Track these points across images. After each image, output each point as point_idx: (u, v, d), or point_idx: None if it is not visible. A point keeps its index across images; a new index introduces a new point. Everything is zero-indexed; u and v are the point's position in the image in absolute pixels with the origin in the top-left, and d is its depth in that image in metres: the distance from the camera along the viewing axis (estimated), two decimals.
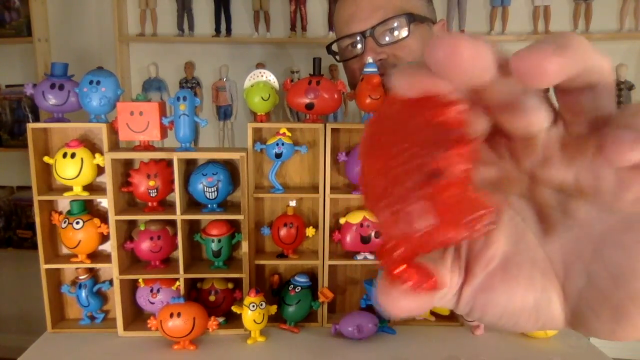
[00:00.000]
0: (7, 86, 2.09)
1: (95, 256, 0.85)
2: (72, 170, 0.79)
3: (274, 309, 0.82)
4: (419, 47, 0.91)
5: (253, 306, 0.78)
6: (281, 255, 0.86)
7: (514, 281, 0.22)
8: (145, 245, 0.82)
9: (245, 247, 0.82)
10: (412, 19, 0.89)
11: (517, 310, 0.22)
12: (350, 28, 0.91)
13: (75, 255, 0.83)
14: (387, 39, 0.89)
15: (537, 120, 0.19)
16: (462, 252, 0.23)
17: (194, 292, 0.86)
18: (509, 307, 0.22)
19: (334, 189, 0.83)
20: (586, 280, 0.21)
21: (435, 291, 0.20)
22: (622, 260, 0.19)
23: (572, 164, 0.19)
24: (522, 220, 0.23)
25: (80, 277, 0.84)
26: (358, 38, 0.91)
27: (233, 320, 0.85)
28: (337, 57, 1.00)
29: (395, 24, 0.89)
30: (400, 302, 0.20)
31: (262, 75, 0.83)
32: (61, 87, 0.79)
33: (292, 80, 0.82)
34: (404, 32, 0.89)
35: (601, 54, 0.17)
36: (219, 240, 0.83)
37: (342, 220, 0.84)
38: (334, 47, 0.99)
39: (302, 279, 0.85)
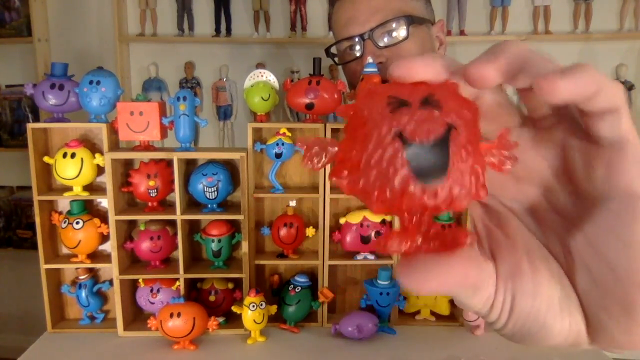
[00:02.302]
0: (7, 86, 2.09)
1: (95, 256, 0.85)
2: (72, 170, 0.79)
3: (274, 309, 0.82)
4: (418, 48, 0.91)
5: (253, 306, 0.78)
6: (281, 255, 0.86)
7: (539, 270, 0.22)
8: (145, 245, 0.82)
9: (245, 247, 0.82)
10: (411, 20, 0.88)
11: (544, 302, 0.21)
12: (349, 31, 0.91)
13: (75, 255, 0.83)
14: (385, 41, 0.89)
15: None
16: (484, 242, 0.24)
17: (194, 292, 0.86)
18: (537, 299, 0.21)
19: (334, 189, 0.83)
20: (590, 279, 0.21)
21: (462, 245, 0.19)
22: (617, 251, 0.20)
23: (545, 151, 0.22)
24: (524, 224, 0.24)
25: (80, 277, 0.84)
26: (357, 40, 0.90)
27: (233, 320, 0.85)
28: (336, 60, 1.00)
29: (394, 26, 0.89)
30: (431, 275, 0.19)
31: (262, 75, 0.83)
32: (61, 87, 0.79)
33: (292, 80, 0.82)
34: (403, 34, 0.89)
35: (533, 56, 0.20)
36: (219, 240, 0.83)
37: (342, 220, 0.84)
38: (333, 50, 0.99)
39: (302, 279, 0.85)
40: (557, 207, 0.23)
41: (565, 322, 0.21)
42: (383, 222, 0.83)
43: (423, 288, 0.19)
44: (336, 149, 0.19)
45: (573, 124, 0.21)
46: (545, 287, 0.21)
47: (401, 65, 0.20)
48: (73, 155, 0.79)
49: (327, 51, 0.98)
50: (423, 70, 0.20)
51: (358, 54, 0.91)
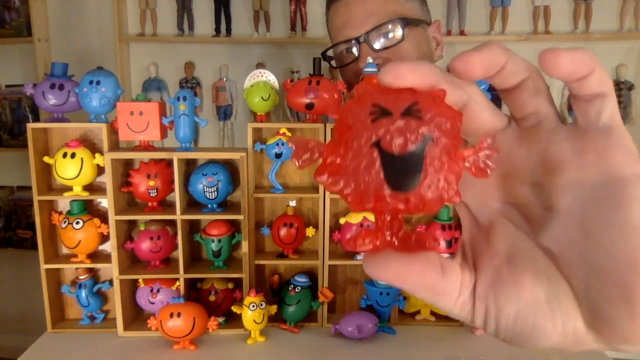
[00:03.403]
0: (7, 86, 2.09)
1: (95, 256, 0.85)
2: (72, 170, 0.79)
3: (274, 309, 0.82)
4: (414, 50, 0.91)
5: (253, 306, 0.78)
6: (281, 255, 0.86)
7: (521, 274, 0.22)
8: (145, 245, 0.82)
9: (245, 247, 0.82)
10: (406, 22, 0.89)
11: (529, 305, 0.22)
12: (345, 34, 0.91)
13: (75, 255, 0.83)
14: (381, 43, 0.89)
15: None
16: (468, 252, 0.24)
17: (194, 292, 0.86)
18: (520, 302, 0.22)
19: None
20: (587, 268, 0.21)
21: (426, 249, 0.21)
22: (611, 235, 0.20)
23: (532, 147, 0.23)
24: (514, 225, 0.24)
25: (80, 277, 0.84)
26: (353, 42, 0.91)
27: (233, 320, 0.85)
28: (333, 63, 1.00)
29: (389, 28, 0.89)
30: (395, 266, 0.21)
31: (262, 75, 0.83)
32: (61, 87, 0.79)
33: (292, 80, 0.82)
34: (399, 37, 0.89)
35: (515, 55, 0.22)
36: (219, 240, 0.83)
37: (342, 220, 0.84)
38: (330, 53, 0.99)
39: (302, 279, 0.85)
40: (547, 205, 0.23)
41: (557, 320, 0.21)
42: None
43: (381, 276, 0.21)
44: (321, 151, 0.21)
45: (555, 120, 0.23)
46: (528, 290, 0.22)
47: (389, 71, 0.20)
48: (73, 155, 0.79)
49: (324, 55, 0.98)
50: (410, 76, 0.20)
51: (355, 57, 0.92)
